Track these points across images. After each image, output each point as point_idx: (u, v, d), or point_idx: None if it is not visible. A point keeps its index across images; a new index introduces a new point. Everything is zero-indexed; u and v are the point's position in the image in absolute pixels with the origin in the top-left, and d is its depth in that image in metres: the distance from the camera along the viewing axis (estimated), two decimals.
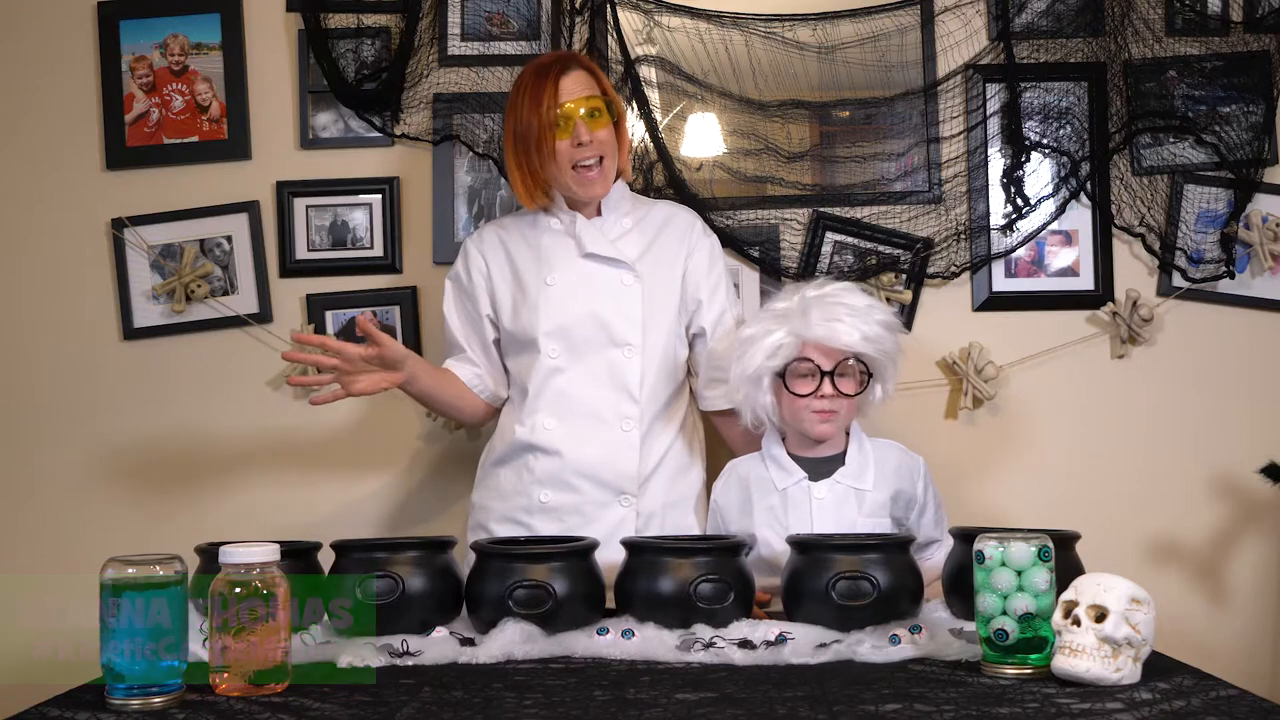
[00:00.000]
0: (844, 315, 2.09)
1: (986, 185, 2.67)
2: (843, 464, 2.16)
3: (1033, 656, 1.53)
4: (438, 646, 1.73)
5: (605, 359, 2.27)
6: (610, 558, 1.89)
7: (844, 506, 2.12)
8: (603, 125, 2.27)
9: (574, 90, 2.24)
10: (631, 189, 2.66)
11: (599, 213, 2.36)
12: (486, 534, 2.26)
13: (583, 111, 2.23)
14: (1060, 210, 2.66)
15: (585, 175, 2.27)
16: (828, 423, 2.12)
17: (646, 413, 2.28)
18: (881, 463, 2.17)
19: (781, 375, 2.14)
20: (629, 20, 2.69)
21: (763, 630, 1.74)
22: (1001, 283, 2.68)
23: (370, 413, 2.71)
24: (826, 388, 2.10)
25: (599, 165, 2.27)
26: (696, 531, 2.29)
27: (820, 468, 2.16)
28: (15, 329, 2.77)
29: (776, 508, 2.15)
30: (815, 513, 2.12)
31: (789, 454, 2.19)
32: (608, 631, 1.77)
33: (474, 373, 2.39)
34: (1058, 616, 1.50)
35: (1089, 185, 2.65)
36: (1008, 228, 2.66)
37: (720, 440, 2.45)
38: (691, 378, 2.41)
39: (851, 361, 2.11)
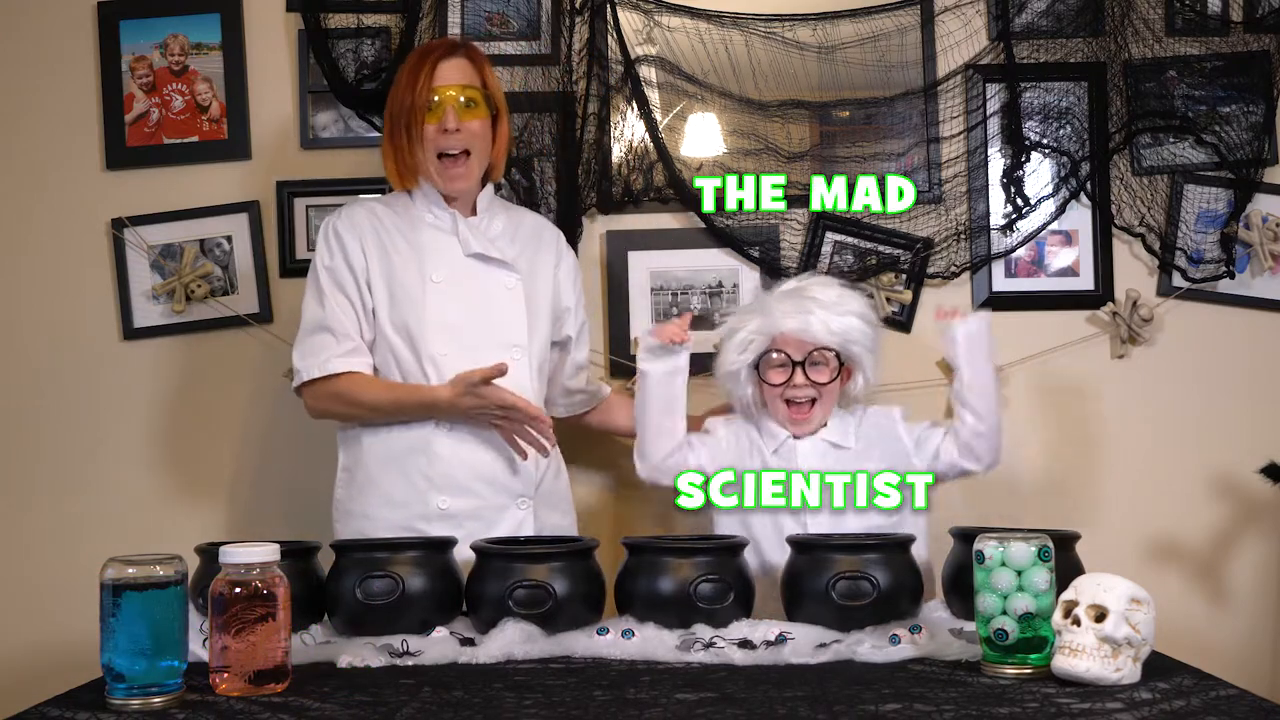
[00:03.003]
0: (812, 309, 2.18)
1: (986, 185, 2.67)
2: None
3: (1033, 656, 1.53)
4: (438, 646, 1.73)
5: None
6: None
7: (827, 458, 2.18)
8: (476, 117, 2.21)
9: (450, 77, 2.20)
10: (631, 189, 2.68)
11: (474, 212, 2.31)
12: None
13: (451, 95, 2.19)
14: (1060, 210, 2.66)
15: (450, 169, 2.22)
16: (801, 422, 2.20)
17: None
18: (861, 422, 2.23)
19: (757, 367, 2.22)
20: (629, 20, 2.69)
21: (763, 630, 1.74)
22: (1001, 283, 2.68)
23: None
24: (799, 377, 2.18)
25: (465, 158, 2.22)
26: (573, 531, 2.32)
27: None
28: (15, 329, 2.77)
29: (768, 461, 2.20)
30: (801, 464, 2.16)
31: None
32: (608, 631, 1.77)
33: (373, 365, 2.24)
34: (1058, 616, 1.50)
35: (1089, 185, 2.65)
36: (1008, 228, 2.66)
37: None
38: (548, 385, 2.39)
39: (823, 352, 2.18)
